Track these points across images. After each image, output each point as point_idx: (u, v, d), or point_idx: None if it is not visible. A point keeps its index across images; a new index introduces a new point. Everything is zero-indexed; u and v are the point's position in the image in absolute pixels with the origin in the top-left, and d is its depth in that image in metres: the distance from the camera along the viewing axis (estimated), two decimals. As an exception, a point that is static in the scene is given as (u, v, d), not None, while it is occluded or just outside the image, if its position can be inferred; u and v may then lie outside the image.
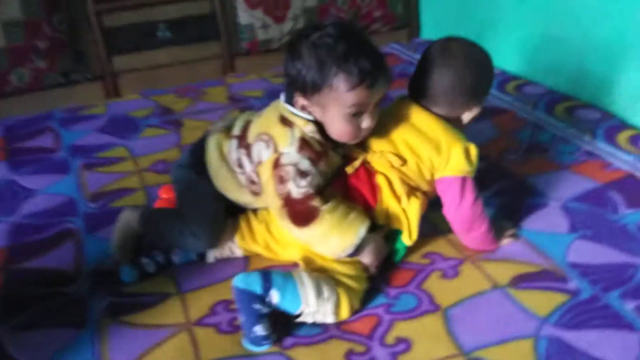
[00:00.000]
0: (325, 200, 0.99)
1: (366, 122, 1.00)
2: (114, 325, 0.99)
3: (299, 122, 1.01)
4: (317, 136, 1.02)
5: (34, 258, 1.19)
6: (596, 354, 0.87)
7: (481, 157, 1.09)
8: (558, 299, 0.98)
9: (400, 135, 1.07)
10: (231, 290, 0.93)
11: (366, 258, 1.02)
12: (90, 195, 1.42)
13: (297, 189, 0.98)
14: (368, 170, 1.07)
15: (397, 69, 2.10)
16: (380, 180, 1.06)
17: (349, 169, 1.07)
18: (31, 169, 1.57)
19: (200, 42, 2.12)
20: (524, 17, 1.90)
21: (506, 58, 2.01)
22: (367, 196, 1.06)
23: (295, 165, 0.99)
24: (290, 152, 1.00)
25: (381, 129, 1.07)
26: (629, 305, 0.96)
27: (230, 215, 1.12)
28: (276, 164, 1.00)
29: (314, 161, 1.00)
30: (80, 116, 1.88)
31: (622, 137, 1.48)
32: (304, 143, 1.00)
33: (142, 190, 1.42)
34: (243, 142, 1.08)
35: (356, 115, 0.99)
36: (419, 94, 1.10)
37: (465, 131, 1.11)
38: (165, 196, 1.28)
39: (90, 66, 2.01)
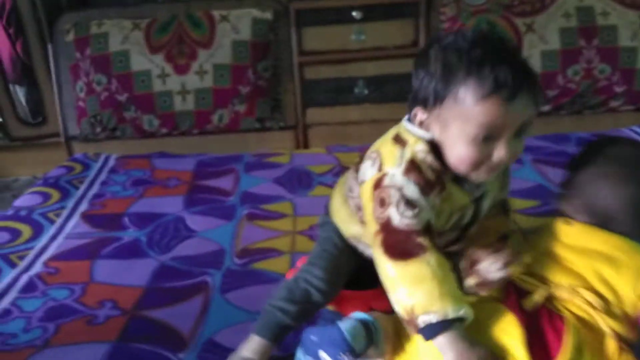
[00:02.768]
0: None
1: (500, 152, 0.77)
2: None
3: (411, 140, 0.83)
4: (430, 159, 0.81)
5: (162, 307, 1.14)
6: None
7: None
8: None
9: (587, 264, 0.82)
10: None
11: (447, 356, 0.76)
12: (239, 249, 1.35)
13: (400, 217, 0.80)
14: (550, 311, 0.79)
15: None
16: (571, 328, 0.77)
17: (528, 304, 0.80)
18: (202, 208, 1.57)
19: (395, 102, 1.98)
20: None
21: None
22: (550, 345, 0.77)
23: (400, 189, 0.80)
24: (396, 174, 0.82)
25: (551, 255, 0.85)
26: None
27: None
28: (378, 184, 0.83)
29: (423, 190, 0.80)
30: (264, 163, 1.88)
31: None
32: (413, 166, 0.81)
33: (288, 255, 1.30)
34: (357, 165, 0.93)
35: (486, 140, 0.77)
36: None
37: None
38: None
39: (284, 115, 2.02)
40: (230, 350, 0.97)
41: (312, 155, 1.92)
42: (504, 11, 1.88)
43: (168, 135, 2.00)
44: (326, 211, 1.02)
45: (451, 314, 0.74)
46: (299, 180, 1.73)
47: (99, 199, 1.67)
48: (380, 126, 1.95)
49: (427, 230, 0.80)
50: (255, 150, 1.97)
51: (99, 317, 1.12)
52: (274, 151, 1.96)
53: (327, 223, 1.00)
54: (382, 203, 0.82)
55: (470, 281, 0.89)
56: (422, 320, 0.75)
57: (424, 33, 1.93)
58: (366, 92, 1.97)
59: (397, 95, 1.97)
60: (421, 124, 0.83)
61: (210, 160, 1.92)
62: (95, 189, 1.74)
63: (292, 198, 1.61)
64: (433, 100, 0.80)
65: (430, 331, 0.75)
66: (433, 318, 0.75)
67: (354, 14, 1.92)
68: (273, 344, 0.91)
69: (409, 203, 0.80)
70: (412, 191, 0.80)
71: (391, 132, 0.89)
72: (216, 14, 1.95)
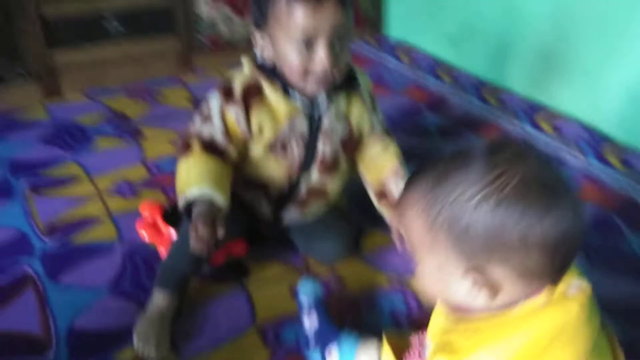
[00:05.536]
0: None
1: (320, 55, 0.87)
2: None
3: (243, 62, 0.97)
4: (255, 71, 0.94)
5: (-10, 315, 0.99)
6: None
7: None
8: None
9: None
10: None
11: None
12: (44, 227, 1.21)
13: (193, 124, 0.96)
14: None
15: (369, 72, 1.99)
16: None
17: None
18: (-37, 192, 1.32)
19: (153, 36, 1.88)
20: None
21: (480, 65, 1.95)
22: None
23: (207, 100, 0.97)
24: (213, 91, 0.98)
25: None
26: None
27: None
28: None
29: (223, 98, 0.94)
30: (18, 123, 1.62)
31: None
32: (225, 82, 0.96)
33: (109, 220, 1.23)
34: None
35: (307, 46, 0.87)
36: None
37: None
38: (147, 213, 1.10)
39: (26, 62, 1.73)
40: (98, 332, 0.94)
41: (74, 105, 1.73)
42: None
43: None
44: None
45: (188, 194, 0.89)
46: (71, 136, 1.56)
47: None
48: (142, 64, 1.88)
49: (207, 142, 0.93)
50: (-5, 108, 1.67)
51: None
52: (19, 106, 1.69)
53: None
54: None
55: (386, 208, 1.04)
56: (180, 202, 0.91)
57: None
58: (121, 28, 1.82)
59: (154, 31, 1.87)
60: (262, 49, 0.94)
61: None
62: None
63: (74, 157, 1.46)
64: (261, 18, 0.90)
65: (185, 210, 0.90)
66: (181, 200, 0.90)
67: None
68: (175, 293, 0.95)
69: (204, 113, 0.95)
70: (214, 102, 0.95)
71: None
72: None
